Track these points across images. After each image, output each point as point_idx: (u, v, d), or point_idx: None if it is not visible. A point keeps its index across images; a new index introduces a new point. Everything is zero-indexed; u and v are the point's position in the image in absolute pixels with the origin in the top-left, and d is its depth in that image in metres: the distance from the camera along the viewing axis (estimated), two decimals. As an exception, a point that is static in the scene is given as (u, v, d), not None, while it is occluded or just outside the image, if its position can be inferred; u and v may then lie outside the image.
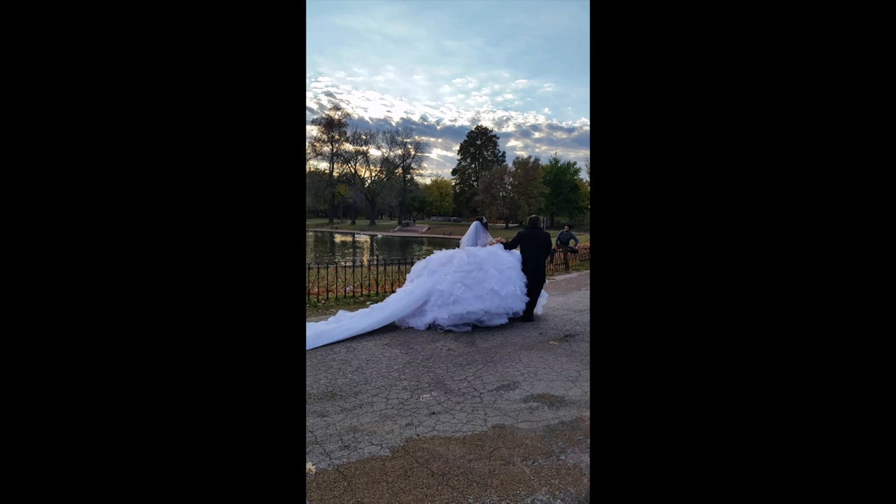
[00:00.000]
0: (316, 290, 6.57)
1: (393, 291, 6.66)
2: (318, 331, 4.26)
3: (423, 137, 62.01)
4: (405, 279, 7.13)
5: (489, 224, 6.00)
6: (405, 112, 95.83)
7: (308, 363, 3.65)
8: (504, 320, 4.94)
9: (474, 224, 5.76)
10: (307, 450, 2.32)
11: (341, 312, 5.00)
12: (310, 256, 20.00)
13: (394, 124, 77.15)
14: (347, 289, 6.81)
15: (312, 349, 3.96)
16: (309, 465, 2.18)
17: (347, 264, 8.56)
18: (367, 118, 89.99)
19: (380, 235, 40.77)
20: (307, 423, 2.62)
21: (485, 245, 5.49)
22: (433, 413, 2.78)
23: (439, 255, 5.34)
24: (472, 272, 4.85)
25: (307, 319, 4.94)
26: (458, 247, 5.60)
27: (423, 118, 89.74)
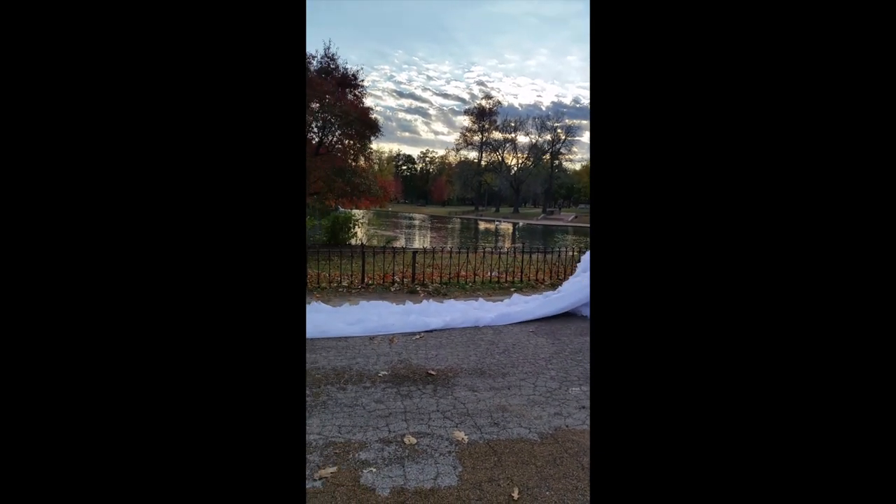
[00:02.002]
0: (464, 272, 6.92)
1: (538, 279, 6.62)
2: (502, 312, 4.57)
3: (574, 121, 58.61)
4: (549, 269, 7.01)
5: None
6: (556, 95, 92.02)
7: (458, 340, 3.89)
8: None
9: None
10: (459, 421, 2.49)
11: (516, 296, 5.34)
12: (456, 241, 21.13)
13: (544, 109, 74.96)
14: (493, 273, 7.00)
15: (462, 328, 4.21)
16: (461, 434, 2.34)
17: (490, 250, 8.79)
18: (516, 105, 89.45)
19: (521, 223, 40.66)
20: (460, 395, 2.81)
21: None
22: (583, 407, 2.68)
23: None
24: None
25: (460, 298, 5.27)
26: None
27: (576, 100, 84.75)
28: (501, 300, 5.27)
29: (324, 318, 4.11)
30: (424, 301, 5.08)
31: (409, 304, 4.82)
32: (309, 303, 4.80)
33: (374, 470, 2.01)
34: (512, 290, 6.08)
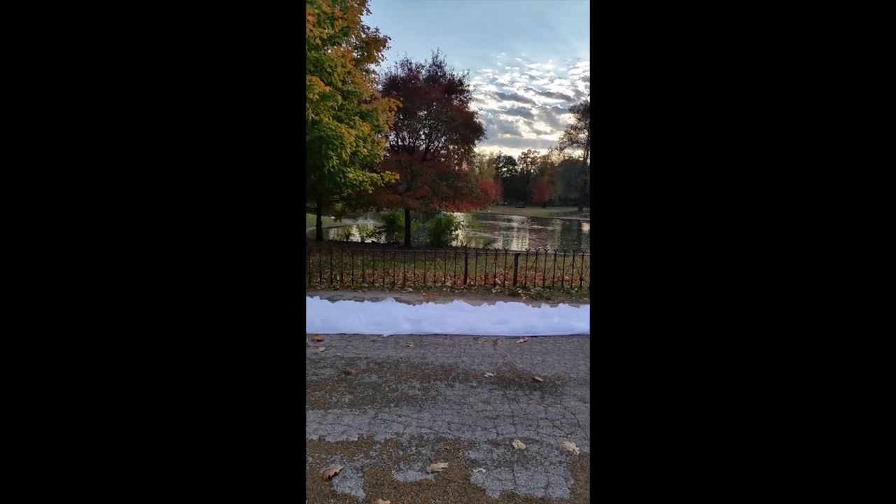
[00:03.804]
0: (569, 276, 6.66)
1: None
2: None
3: (694, 113, 52.77)
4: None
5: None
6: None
7: (565, 348, 3.76)
8: None
9: None
10: (569, 431, 2.40)
11: None
12: (557, 244, 20.41)
13: (657, 102, 68.63)
14: (601, 280, 6.61)
15: (571, 335, 4.06)
16: (572, 445, 2.25)
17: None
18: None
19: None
20: (569, 405, 2.71)
21: None
22: (713, 434, 2.39)
23: None
24: None
25: (565, 302, 5.09)
26: None
27: (697, 90, 76.26)
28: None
29: (468, 317, 4.39)
30: (560, 304, 5.08)
31: (545, 307, 4.90)
32: (450, 301, 5.12)
33: (484, 470, 2.04)
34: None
